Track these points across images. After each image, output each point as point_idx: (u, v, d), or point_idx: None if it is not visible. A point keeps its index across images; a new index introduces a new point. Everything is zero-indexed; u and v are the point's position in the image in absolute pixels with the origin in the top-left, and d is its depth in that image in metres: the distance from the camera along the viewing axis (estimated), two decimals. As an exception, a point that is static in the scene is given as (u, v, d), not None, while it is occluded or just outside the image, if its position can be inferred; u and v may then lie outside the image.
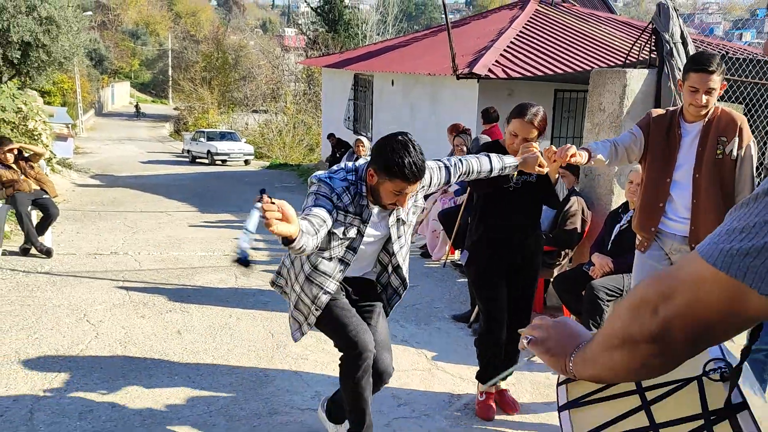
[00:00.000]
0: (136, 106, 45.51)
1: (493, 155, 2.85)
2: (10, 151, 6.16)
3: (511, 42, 10.90)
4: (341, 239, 2.51)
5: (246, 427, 3.10)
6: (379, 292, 2.85)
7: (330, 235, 2.46)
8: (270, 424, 3.14)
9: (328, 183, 2.45)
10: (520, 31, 11.60)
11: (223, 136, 23.84)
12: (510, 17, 12.71)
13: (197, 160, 22.67)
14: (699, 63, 2.88)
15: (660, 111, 3.15)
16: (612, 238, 4.12)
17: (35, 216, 6.31)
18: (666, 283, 0.80)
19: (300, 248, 2.12)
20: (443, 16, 11.30)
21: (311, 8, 40.69)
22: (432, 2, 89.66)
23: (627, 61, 4.59)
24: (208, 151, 22.21)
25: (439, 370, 3.85)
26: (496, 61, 9.77)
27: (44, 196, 6.31)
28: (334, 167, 2.57)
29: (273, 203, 1.89)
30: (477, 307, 4.77)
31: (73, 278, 5.42)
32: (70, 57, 14.59)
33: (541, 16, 12.77)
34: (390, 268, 2.78)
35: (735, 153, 2.93)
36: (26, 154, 6.38)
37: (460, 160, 2.75)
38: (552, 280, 4.51)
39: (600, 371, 0.96)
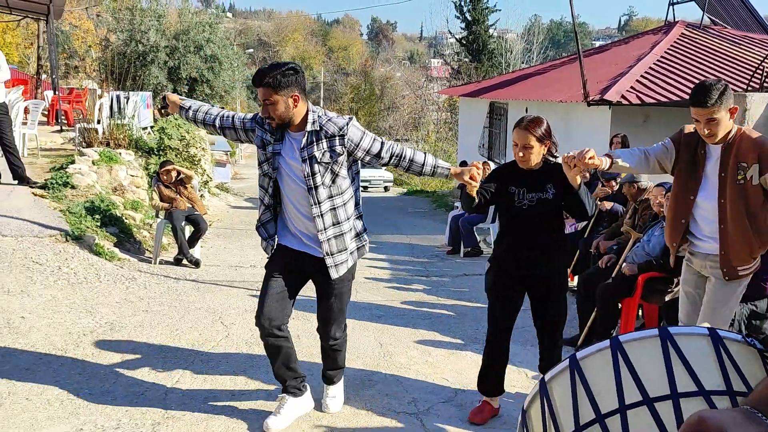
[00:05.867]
0: None
1: (429, 154, 3.23)
2: (170, 172, 7.04)
3: (650, 68, 10.58)
4: (264, 153, 3.09)
5: (346, 422, 3.39)
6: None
7: (258, 149, 3.14)
8: (368, 423, 3.41)
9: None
10: (662, 56, 11.22)
11: (364, 165, 24.93)
12: (652, 42, 12.32)
13: (340, 186, 23.80)
14: (693, 98, 2.93)
15: (691, 128, 3.16)
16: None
17: (188, 230, 7.12)
18: None
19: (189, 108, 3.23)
20: (590, 42, 11.17)
21: (456, 39, 41.51)
22: (582, 29, 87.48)
23: (749, 87, 4.44)
24: (351, 178, 23.25)
25: (537, 389, 3.92)
26: (632, 87, 9.54)
27: (195, 213, 7.12)
28: None
29: None
30: (585, 329, 4.78)
31: (214, 286, 6.07)
32: (229, 90, 16.11)
33: (686, 40, 12.25)
34: (323, 225, 3.07)
35: (756, 179, 2.91)
36: (182, 176, 7.24)
37: (396, 143, 3.15)
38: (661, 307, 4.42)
39: None
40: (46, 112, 14.50)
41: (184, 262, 6.92)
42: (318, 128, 3.01)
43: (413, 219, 12.94)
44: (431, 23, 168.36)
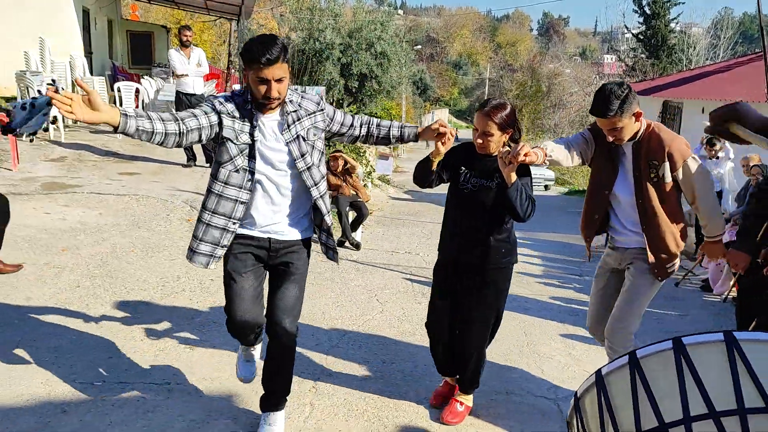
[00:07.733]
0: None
1: (395, 123, 3.08)
2: (338, 160, 7.63)
3: None
4: (237, 144, 2.68)
5: (485, 399, 3.62)
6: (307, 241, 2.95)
7: (226, 143, 2.68)
8: (505, 401, 3.62)
9: (212, 99, 2.72)
10: None
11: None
12: None
13: (499, 183, 23.80)
14: (593, 107, 2.87)
15: None
16: None
17: (351, 215, 7.68)
18: None
19: (136, 130, 2.38)
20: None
21: (632, 34, 39.46)
22: (782, 21, 78.79)
23: None
24: (510, 175, 23.16)
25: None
26: (826, 87, 8.69)
27: (359, 200, 7.66)
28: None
29: (67, 96, 2.17)
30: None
31: (372, 267, 6.54)
32: (396, 86, 16.73)
33: None
34: (326, 207, 2.89)
35: (668, 177, 2.84)
36: (348, 166, 7.82)
37: (362, 115, 2.99)
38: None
39: None
40: (234, 104, 16.04)
41: (346, 244, 7.47)
42: (297, 107, 2.79)
43: (572, 218, 12.71)
44: (606, 17, 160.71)
